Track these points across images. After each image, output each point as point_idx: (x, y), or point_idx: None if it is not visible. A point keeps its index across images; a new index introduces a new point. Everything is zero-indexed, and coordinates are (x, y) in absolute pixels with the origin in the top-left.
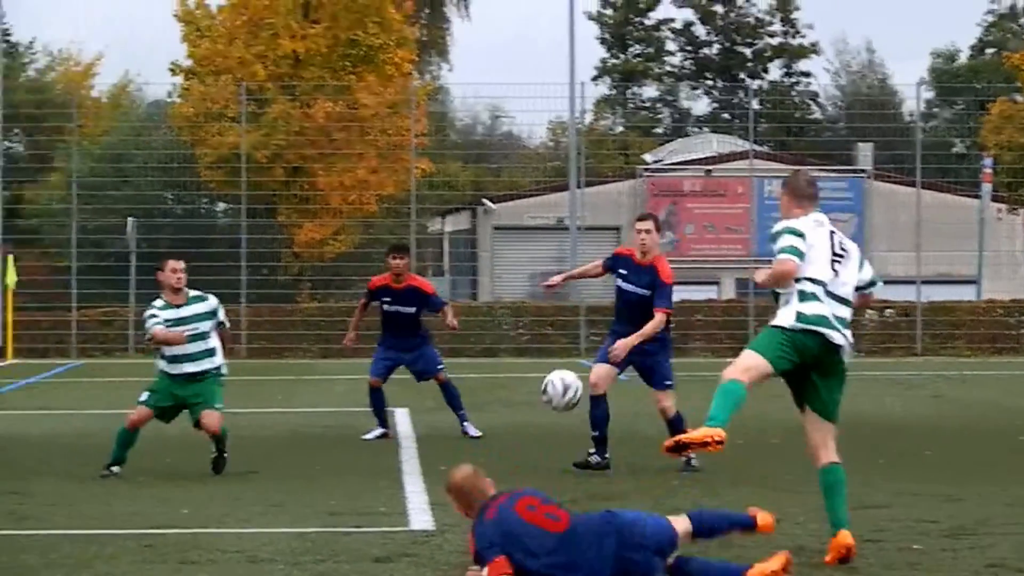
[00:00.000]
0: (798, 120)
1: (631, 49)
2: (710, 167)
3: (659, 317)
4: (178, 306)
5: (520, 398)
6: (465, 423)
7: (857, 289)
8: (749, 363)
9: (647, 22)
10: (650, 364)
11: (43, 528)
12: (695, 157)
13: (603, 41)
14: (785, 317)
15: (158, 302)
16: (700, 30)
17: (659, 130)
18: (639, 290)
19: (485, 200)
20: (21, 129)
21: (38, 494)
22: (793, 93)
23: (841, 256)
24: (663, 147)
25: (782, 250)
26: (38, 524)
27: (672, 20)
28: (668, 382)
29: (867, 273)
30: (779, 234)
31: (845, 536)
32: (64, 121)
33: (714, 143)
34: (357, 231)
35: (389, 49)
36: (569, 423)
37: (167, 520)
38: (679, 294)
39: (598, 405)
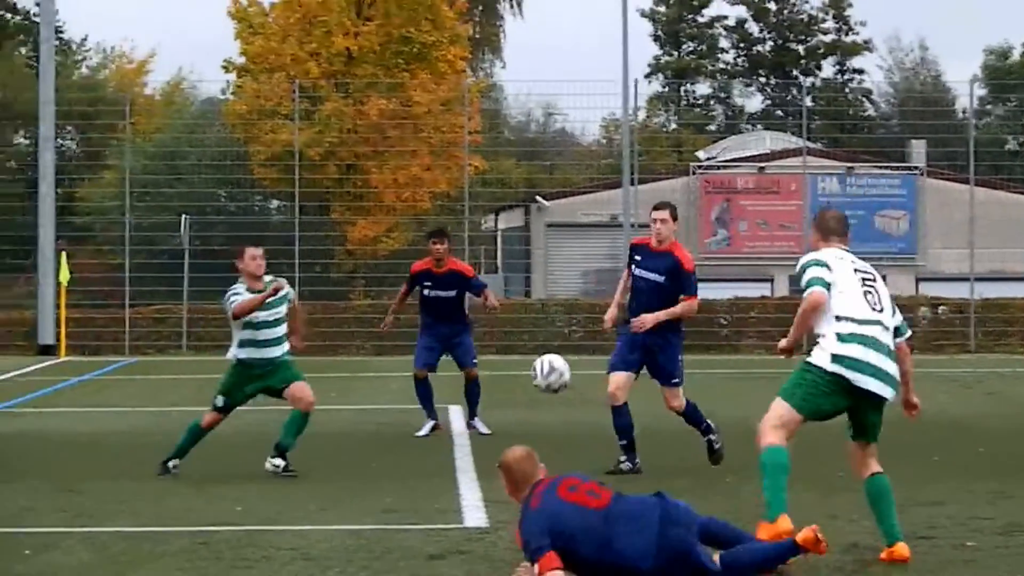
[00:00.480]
0: (851, 117)
1: (684, 46)
2: (763, 164)
3: (692, 303)
4: (260, 291)
5: (572, 395)
6: (475, 419)
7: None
8: (777, 420)
9: (700, 19)
10: (660, 361)
11: (96, 525)
12: (748, 154)
13: (656, 38)
14: (821, 356)
15: (239, 286)
16: (753, 27)
17: (712, 127)
18: (654, 276)
19: (538, 197)
20: (74, 127)
21: (91, 491)
22: (846, 90)
23: (870, 291)
24: (716, 144)
25: (808, 283)
26: (91, 521)
27: (725, 17)
28: (675, 380)
29: (898, 318)
30: (804, 268)
31: (903, 549)
32: (117, 119)
33: (767, 140)
34: (410, 228)
35: (442, 46)
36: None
37: (221, 518)
38: (732, 291)
39: (621, 415)
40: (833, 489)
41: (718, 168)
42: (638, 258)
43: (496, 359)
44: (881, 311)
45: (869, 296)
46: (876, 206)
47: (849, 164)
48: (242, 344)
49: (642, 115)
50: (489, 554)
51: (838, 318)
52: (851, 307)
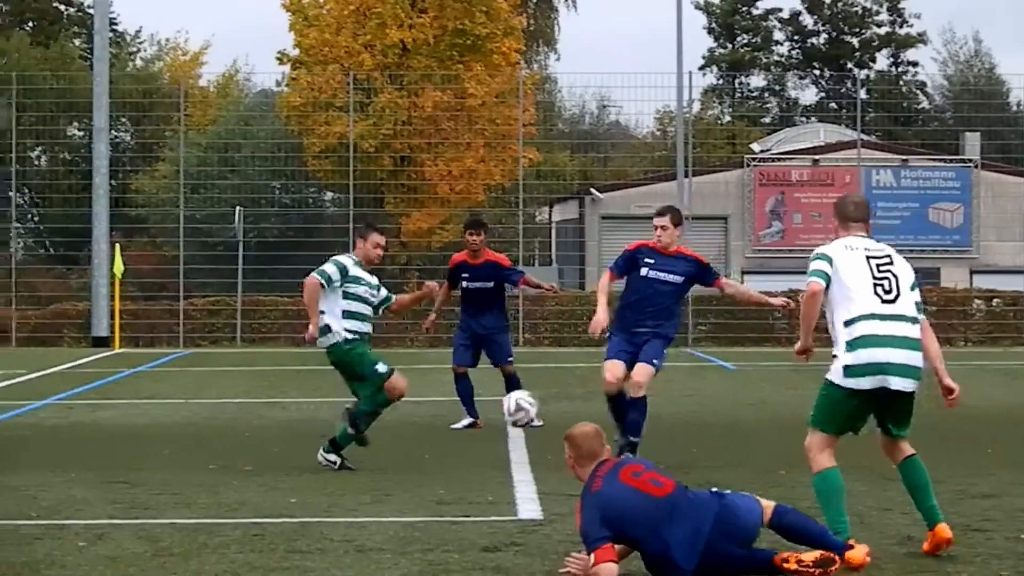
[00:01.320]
0: (905, 110)
1: (739, 39)
2: (817, 157)
3: (744, 285)
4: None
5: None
6: None
7: None
8: (816, 448)
9: (754, 11)
10: (650, 346)
11: (151, 517)
12: (802, 147)
13: (710, 31)
14: (835, 371)
15: (348, 259)
16: (807, 19)
17: (766, 120)
18: (673, 277)
19: (592, 190)
20: (128, 119)
21: (146, 483)
22: (900, 83)
23: (884, 277)
24: (770, 136)
25: (808, 276)
26: (146, 513)
27: (779, 10)
28: (655, 360)
29: (916, 298)
30: (810, 265)
31: (944, 530)
32: (171, 111)
33: (821, 133)
34: (464, 221)
35: (497, 38)
36: (681, 414)
37: (275, 509)
38: (786, 283)
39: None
40: (887, 481)
41: (772, 161)
42: (650, 260)
43: (550, 351)
44: (895, 299)
45: (881, 286)
46: (930, 199)
47: (903, 157)
48: (348, 316)
49: (696, 107)
50: (543, 546)
51: (846, 323)
52: (859, 305)
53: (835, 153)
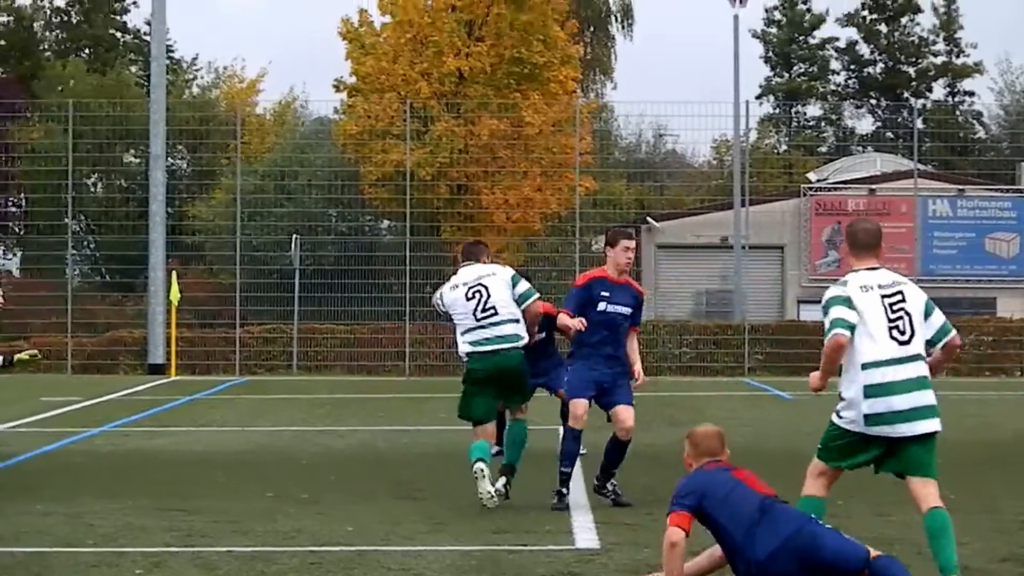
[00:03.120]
0: (961, 139)
1: (795, 68)
2: (874, 186)
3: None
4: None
5: (685, 416)
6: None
7: (930, 344)
8: (815, 471)
9: (811, 41)
10: (621, 389)
11: (208, 545)
12: (859, 176)
13: (767, 60)
14: (852, 415)
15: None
16: (864, 49)
17: (823, 149)
18: (625, 309)
19: (649, 218)
20: (185, 146)
21: (203, 511)
22: (957, 112)
23: (899, 317)
24: (827, 166)
25: (832, 323)
26: (203, 541)
27: (836, 39)
28: (632, 400)
29: (936, 322)
30: (827, 305)
31: None
32: (228, 138)
33: (878, 162)
34: (521, 249)
35: (553, 67)
36: (740, 443)
37: (331, 537)
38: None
39: (578, 440)
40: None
41: (829, 190)
42: (606, 294)
43: None
44: (909, 340)
45: (896, 327)
46: (987, 228)
47: (960, 186)
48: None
49: (753, 136)
50: None
51: (864, 366)
52: (878, 350)
53: (891, 183)
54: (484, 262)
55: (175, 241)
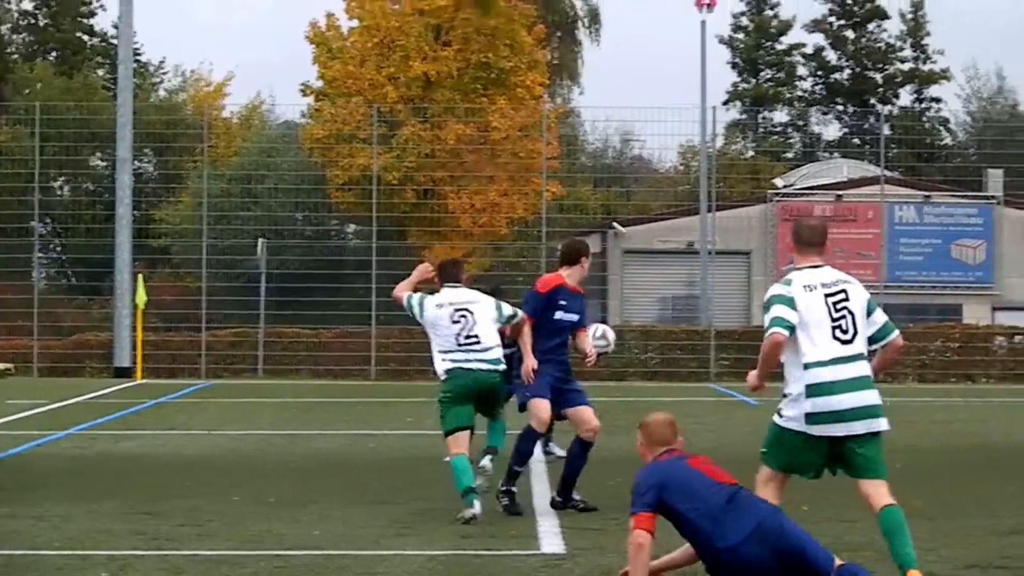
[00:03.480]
0: (928, 146)
1: (762, 73)
2: (840, 192)
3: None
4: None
5: None
6: (550, 444)
7: (871, 342)
8: (763, 478)
9: (778, 47)
10: (575, 390)
11: (174, 549)
12: (825, 182)
13: (734, 66)
14: (794, 415)
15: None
16: (831, 55)
17: (789, 155)
18: (575, 316)
19: (615, 223)
20: (151, 149)
21: (169, 514)
22: (924, 119)
23: (842, 317)
24: (794, 172)
25: (771, 322)
26: (169, 544)
27: (803, 45)
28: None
29: (878, 320)
30: (768, 305)
31: (914, 574)
32: (194, 142)
33: (844, 168)
34: (487, 253)
35: (520, 72)
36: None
37: (298, 541)
38: None
39: (535, 441)
40: (910, 517)
41: (795, 196)
42: (564, 302)
43: None
44: (852, 339)
45: (839, 327)
46: (953, 235)
47: (926, 193)
48: None
49: (719, 142)
50: None
51: (807, 366)
52: (819, 350)
53: (858, 189)
54: (464, 282)
55: (141, 244)
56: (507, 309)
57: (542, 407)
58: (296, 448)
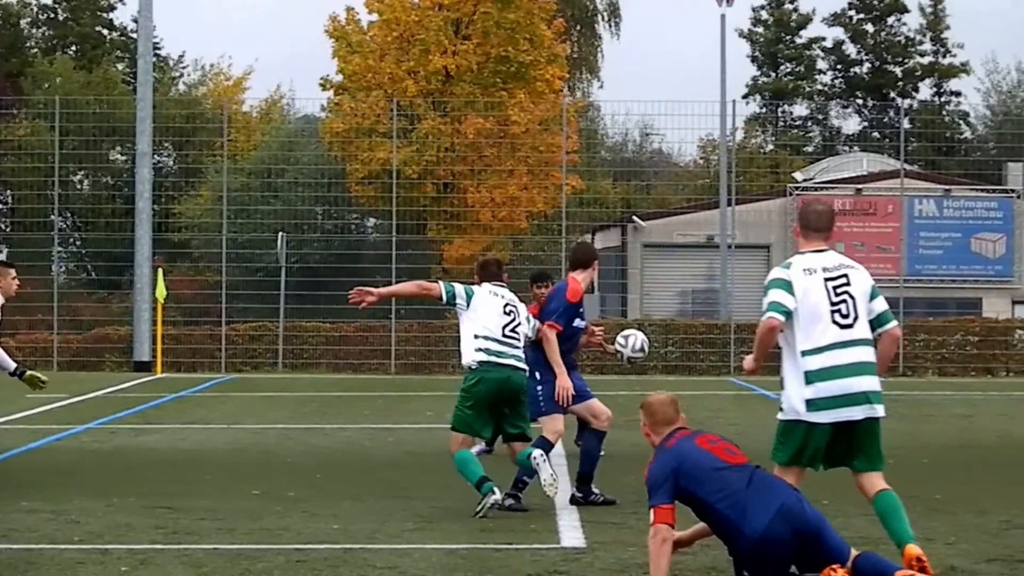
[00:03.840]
0: (948, 140)
1: (782, 67)
2: (860, 186)
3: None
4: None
5: None
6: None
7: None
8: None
9: (798, 40)
10: (581, 382)
11: (194, 543)
12: (845, 176)
13: (754, 59)
14: (794, 404)
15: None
16: (851, 49)
17: (809, 148)
18: (584, 322)
19: (635, 217)
20: (171, 144)
21: (188, 508)
22: (943, 112)
23: (842, 300)
24: (813, 165)
25: (768, 307)
26: (188, 539)
27: (823, 39)
28: None
29: (877, 307)
30: (766, 288)
31: (912, 548)
32: (214, 136)
33: (864, 162)
34: (507, 247)
35: (540, 66)
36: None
37: (317, 535)
38: None
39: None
40: (931, 511)
41: (815, 189)
42: (583, 309)
43: (590, 379)
44: (852, 323)
45: (838, 312)
46: (973, 229)
47: (946, 186)
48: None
49: (739, 136)
50: (586, 574)
51: (804, 353)
52: (818, 335)
53: (878, 183)
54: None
55: (161, 238)
56: (533, 320)
57: (559, 420)
58: (316, 442)
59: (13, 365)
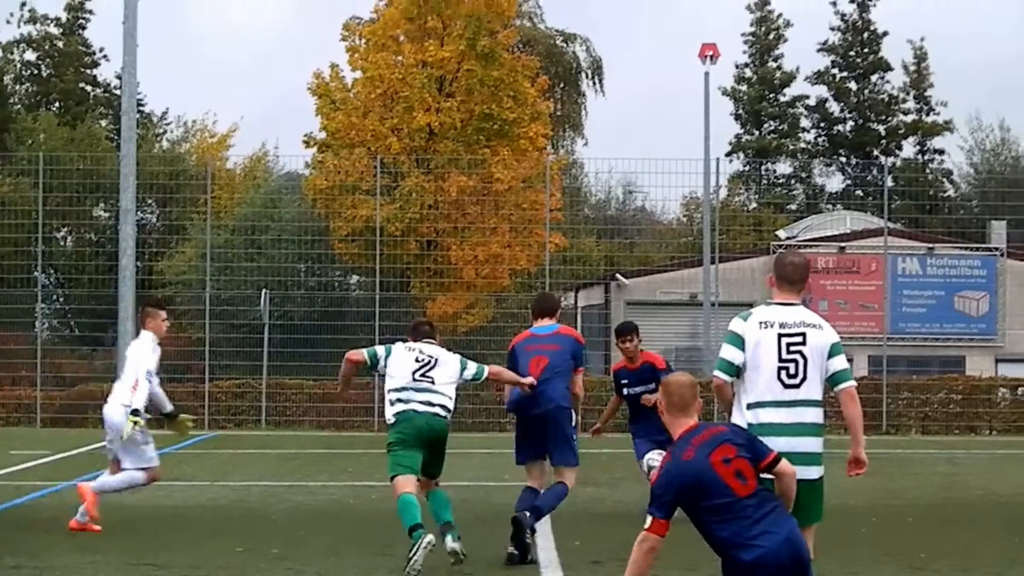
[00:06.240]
0: (931, 197)
1: (765, 125)
2: (843, 244)
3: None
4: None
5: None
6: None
7: (829, 383)
8: None
9: (781, 98)
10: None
11: None
12: (829, 234)
13: (737, 117)
14: None
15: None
16: (834, 107)
17: (793, 206)
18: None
19: (618, 275)
20: (155, 200)
21: (173, 565)
22: (927, 170)
23: (792, 360)
24: (797, 223)
25: (716, 365)
26: None
27: (806, 97)
28: None
29: (835, 365)
30: (723, 342)
31: None
32: (198, 192)
33: (847, 220)
34: (490, 305)
35: (523, 123)
36: None
37: None
38: None
39: None
40: (916, 569)
41: (798, 247)
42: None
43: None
44: (799, 384)
45: (786, 370)
46: (956, 287)
47: (929, 244)
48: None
49: (723, 194)
50: None
51: (749, 406)
52: (761, 390)
53: (861, 240)
54: (437, 342)
55: (145, 295)
56: (471, 366)
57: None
58: (299, 499)
59: (170, 407)
